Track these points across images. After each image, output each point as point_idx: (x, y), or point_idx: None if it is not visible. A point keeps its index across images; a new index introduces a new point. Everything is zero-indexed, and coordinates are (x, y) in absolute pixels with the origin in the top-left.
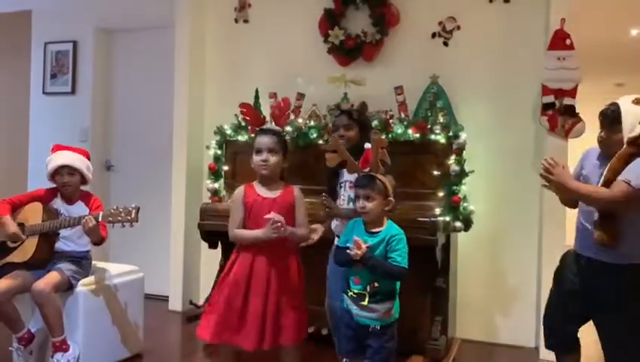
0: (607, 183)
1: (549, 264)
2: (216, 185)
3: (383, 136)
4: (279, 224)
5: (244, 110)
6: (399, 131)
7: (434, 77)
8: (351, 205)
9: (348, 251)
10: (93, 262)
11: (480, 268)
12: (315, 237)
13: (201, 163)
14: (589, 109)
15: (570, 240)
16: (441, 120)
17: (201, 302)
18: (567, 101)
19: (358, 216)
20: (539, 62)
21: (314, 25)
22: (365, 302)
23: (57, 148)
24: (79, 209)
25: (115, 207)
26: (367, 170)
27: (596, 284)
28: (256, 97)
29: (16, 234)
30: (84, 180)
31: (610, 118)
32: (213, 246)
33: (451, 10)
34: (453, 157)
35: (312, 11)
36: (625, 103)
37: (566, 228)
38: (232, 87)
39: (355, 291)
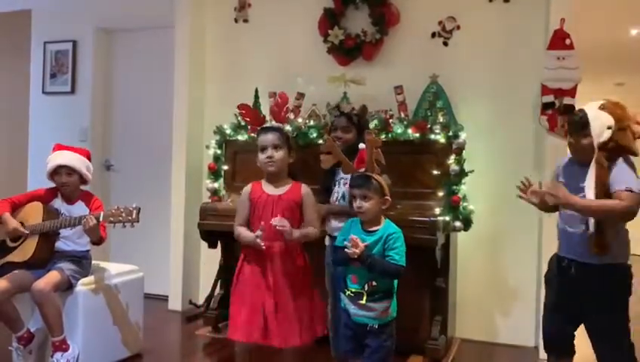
0: (601, 191)
1: None
2: (215, 185)
3: (382, 136)
4: (284, 228)
5: (243, 111)
6: (399, 131)
7: (434, 76)
8: (343, 201)
9: (346, 250)
10: (93, 262)
11: (479, 268)
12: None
13: (201, 162)
14: None
15: None
16: (441, 119)
17: (200, 301)
18: (566, 101)
19: (351, 212)
20: (538, 61)
21: (314, 24)
22: (363, 301)
23: (58, 147)
24: (79, 209)
25: (115, 207)
26: (362, 170)
27: (584, 286)
28: (256, 97)
29: (17, 230)
30: (83, 180)
31: (580, 124)
32: (212, 245)
33: (451, 9)
34: (452, 156)
35: (312, 11)
36: (591, 109)
37: None
38: (231, 86)
39: (353, 290)
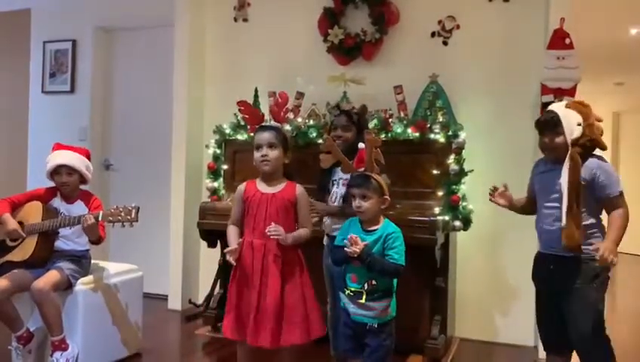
0: (572, 191)
1: None
2: (215, 184)
3: (382, 136)
4: (279, 236)
5: (242, 108)
6: (399, 130)
7: (433, 76)
8: (341, 202)
9: (346, 249)
10: (93, 261)
11: (479, 268)
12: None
13: (201, 162)
14: None
15: None
16: (441, 119)
17: (200, 301)
18: (566, 100)
19: (347, 212)
20: (538, 61)
21: (313, 24)
22: (362, 300)
23: (58, 147)
24: (79, 208)
25: (115, 207)
26: (361, 169)
27: (562, 278)
28: (256, 96)
29: (16, 231)
30: (83, 180)
31: (551, 123)
32: (212, 245)
33: (451, 9)
34: (452, 156)
35: (312, 10)
36: (560, 109)
37: None
38: (231, 86)
39: (352, 289)
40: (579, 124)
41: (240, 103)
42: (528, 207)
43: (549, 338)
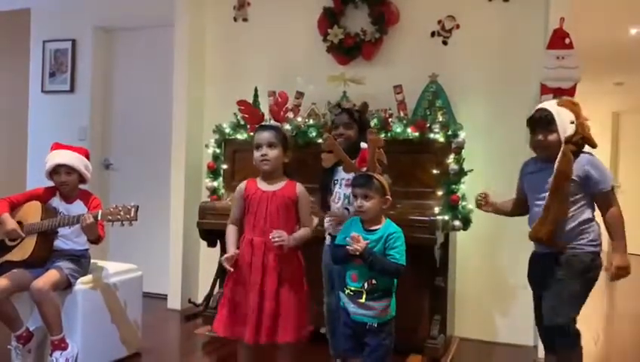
0: (559, 182)
1: None
2: (215, 184)
3: (382, 135)
4: (282, 242)
5: (242, 107)
6: (398, 130)
7: (433, 76)
8: (347, 203)
9: (348, 247)
10: (92, 261)
11: (479, 267)
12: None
13: (200, 161)
14: (588, 108)
15: None
16: (440, 119)
17: (199, 300)
18: (557, 99)
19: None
20: (538, 61)
21: (313, 23)
22: (362, 300)
23: (56, 146)
24: (78, 208)
25: (114, 206)
26: (364, 169)
27: (547, 274)
28: (255, 96)
29: (15, 231)
30: (82, 179)
31: (546, 121)
32: (212, 244)
33: (450, 9)
34: (452, 156)
35: (312, 10)
36: (552, 106)
37: None
38: (231, 85)
39: (352, 288)
40: (572, 122)
41: (240, 103)
42: (517, 209)
43: (548, 338)
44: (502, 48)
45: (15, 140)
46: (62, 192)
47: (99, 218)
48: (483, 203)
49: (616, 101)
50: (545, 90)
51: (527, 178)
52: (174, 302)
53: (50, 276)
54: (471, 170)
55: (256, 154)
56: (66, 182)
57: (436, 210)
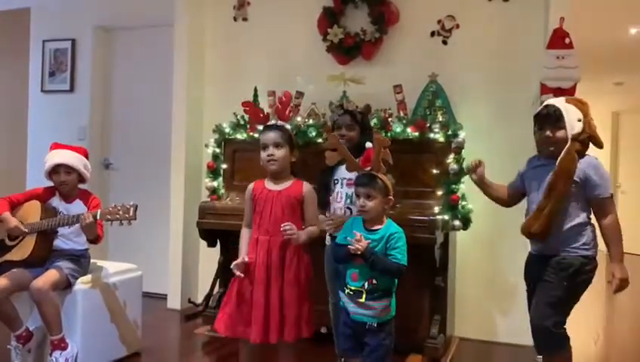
0: (559, 179)
1: None
2: (214, 184)
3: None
4: (292, 234)
5: (247, 108)
6: (398, 130)
7: (433, 75)
8: (349, 202)
9: (349, 246)
10: (92, 261)
11: (478, 267)
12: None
13: (200, 161)
14: None
15: None
16: (440, 118)
17: (199, 300)
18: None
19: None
20: (538, 60)
21: (313, 23)
22: (362, 299)
23: (56, 146)
24: (78, 207)
25: (113, 205)
26: (368, 168)
27: (541, 272)
28: (255, 95)
29: (18, 228)
30: (81, 179)
31: (554, 117)
32: (211, 244)
33: (450, 8)
34: (451, 156)
35: (311, 9)
36: (561, 103)
37: None
38: (231, 85)
39: (353, 288)
40: (579, 120)
41: (245, 104)
42: (506, 199)
43: (535, 338)
44: (502, 48)
45: (15, 140)
46: (61, 192)
47: (98, 217)
48: (473, 168)
49: (616, 101)
50: (545, 89)
51: (531, 172)
52: (174, 302)
53: (50, 276)
54: None
55: (263, 154)
56: (65, 182)
57: (436, 209)
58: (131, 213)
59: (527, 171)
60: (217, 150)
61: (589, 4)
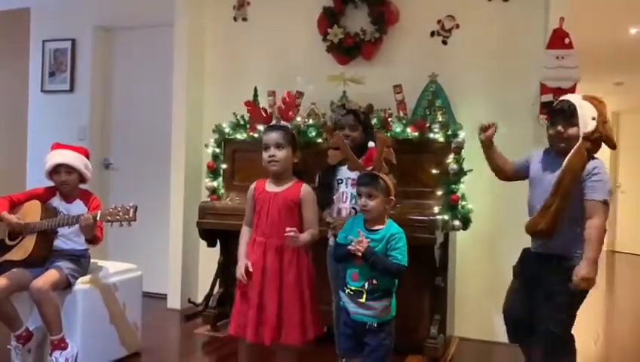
0: (566, 176)
1: None
2: (214, 184)
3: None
4: (292, 235)
5: (250, 108)
6: (398, 130)
7: (433, 75)
8: (354, 202)
9: (349, 247)
10: (92, 261)
11: (478, 267)
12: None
13: (200, 161)
14: None
15: None
16: (440, 118)
17: (199, 300)
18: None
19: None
20: (538, 60)
21: (313, 23)
22: (362, 299)
23: (56, 146)
24: (78, 207)
25: (113, 206)
26: (370, 168)
27: (544, 274)
28: (255, 95)
29: (19, 224)
30: (82, 179)
31: (569, 113)
32: (211, 244)
33: (450, 8)
34: (451, 155)
35: (311, 9)
36: (577, 99)
37: None
38: (231, 85)
39: (353, 288)
40: (593, 118)
41: (248, 104)
42: (508, 173)
43: (516, 330)
44: (502, 48)
45: (15, 140)
46: (62, 192)
47: (98, 218)
48: (484, 128)
49: (616, 101)
50: (545, 89)
51: (537, 166)
52: (174, 302)
53: (50, 276)
54: (471, 170)
55: (265, 155)
56: (66, 182)
57: (436, 209)
58: (131, 214)
59: (537, 163)
60: (217, 150)
61: (589, 4)
